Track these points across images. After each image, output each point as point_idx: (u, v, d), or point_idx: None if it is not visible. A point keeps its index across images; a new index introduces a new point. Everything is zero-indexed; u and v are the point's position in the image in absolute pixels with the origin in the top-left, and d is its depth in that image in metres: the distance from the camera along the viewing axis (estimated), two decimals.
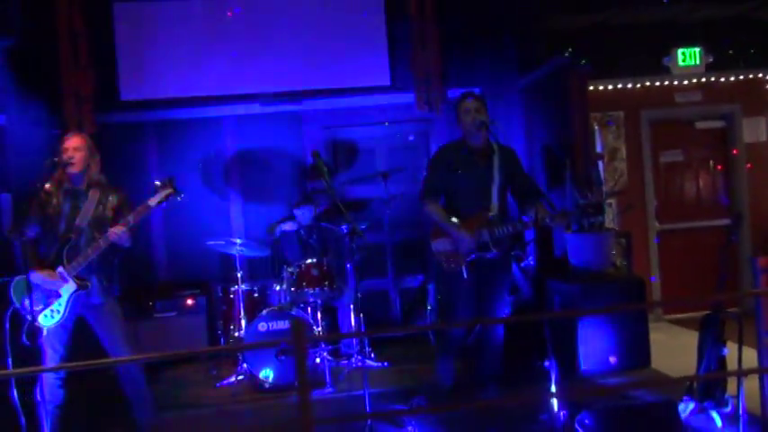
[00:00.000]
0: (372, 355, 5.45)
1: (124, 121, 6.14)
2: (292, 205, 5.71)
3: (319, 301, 5.23)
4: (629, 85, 6.50)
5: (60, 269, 3.78)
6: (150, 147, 6.29)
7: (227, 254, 6.07)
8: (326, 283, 5.16)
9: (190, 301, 5.91)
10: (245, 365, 4.98)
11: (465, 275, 4.12)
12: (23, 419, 3.81)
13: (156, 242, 6.35)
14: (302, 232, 5.70)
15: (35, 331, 3.75)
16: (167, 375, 5.44)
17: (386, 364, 5.29)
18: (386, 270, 6.61)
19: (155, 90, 6.05)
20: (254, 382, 5.01)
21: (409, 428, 3.90)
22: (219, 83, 6.18)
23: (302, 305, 5.19)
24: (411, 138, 6.71)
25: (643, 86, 6.51)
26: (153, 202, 3.91)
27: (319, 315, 5.23)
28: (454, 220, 4.15)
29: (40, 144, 5.89)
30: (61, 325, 3.84)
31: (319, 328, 5.15)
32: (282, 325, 4.94)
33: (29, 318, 3.76)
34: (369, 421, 3.78)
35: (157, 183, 3.99)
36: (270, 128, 6.44)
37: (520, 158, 4.47)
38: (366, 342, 5.49)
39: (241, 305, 5.20)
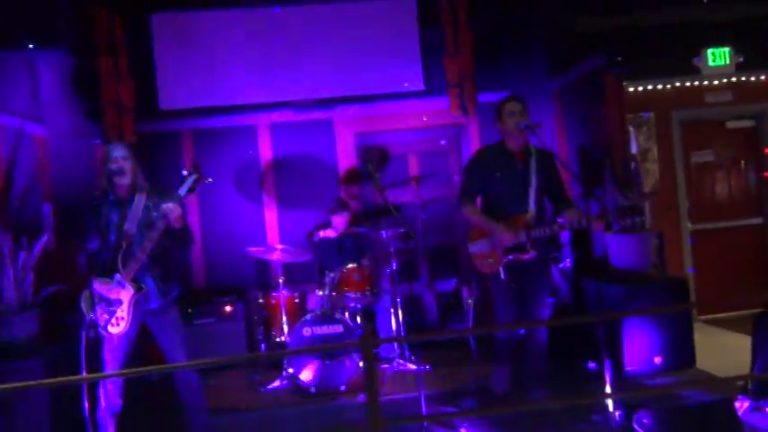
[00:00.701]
0: (413, 358, 5.47)
1: (161, 129, 6.21)
2: (329, 211, 5.76)
3: (359, 306, 5.28)
4: (660, 86, 6.51)
5: (117, 276, 3.83)
6: (186, 155, 6.35)
7: (264, 260, 6.15)
8: (367, 287, 5.22)
9: (228, 308, 5.96)
10: (290, 370, 5.01)
11: (503, 277, 4.16)
12: (90, 428, 3.90)
13: (194, 249, 6.40)
14: (339, 238, 5.75)
15: (100, 341, 3.83)
16: (209, 382, 5.48)
17: (427, 367, 5.31)
18: (419, 274, 6.66)
19: (191, 99, 6.15)
20: (298, 387, 5.04)
21: (462, 430, 3.92)
22: (254, 91, 6.28)
23: (342, 310, 5.23)
24: (443, 142, 6.74)
25: (673, 87, 6.53)
26: (182, 191, 3.92)
27: (359, 319, 5.27)
28: (492, 220, 4.20)
29: (81, 154, 6.01)
30: (126, 334, 3.89)
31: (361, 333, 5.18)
32: (326, 329, 4.97)
33: (99, 328, 3.83)
34: (425, 423, 3.81)
35: (184, 172, 3.98)
36: (303, 135, 6.50)
37: (557, 162, 4.49)
38: (406, 346, 5.52)
39: (283, 310, 5.24)
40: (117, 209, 3.95)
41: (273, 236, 6.41)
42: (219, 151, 6.39)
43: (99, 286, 3.79)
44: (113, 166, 3.92)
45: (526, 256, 4.14)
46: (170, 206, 3.80)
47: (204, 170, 5.79)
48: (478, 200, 4.45)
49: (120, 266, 3.85)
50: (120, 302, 3.83)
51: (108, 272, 3.84)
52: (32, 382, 4.00)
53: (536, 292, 4.32)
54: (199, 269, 6.33)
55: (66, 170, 5.90)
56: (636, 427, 3.50)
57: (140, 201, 3.97)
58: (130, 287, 3.84)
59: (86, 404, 3.69)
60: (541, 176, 4.23)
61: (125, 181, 3.95)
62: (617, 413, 3.72)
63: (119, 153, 3.97)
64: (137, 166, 4.01)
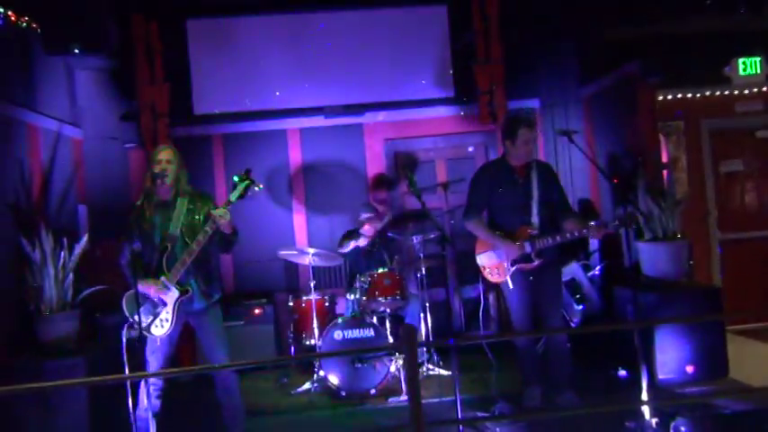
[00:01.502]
0: (441, 363, 5.49)
1: (194, 134, 6.29)
2: (358, 222, 5.77)
3: (388, 311, 5.31)
4: (690, 95, 6.50)
5: (163, 279, 3.89)
6: (217, 159, 6.43)
7: (293, 264, 6.20)
8: (398, 292, 5.25)
9: (257, 311, 6.02)
10: (321, 373, 5.05)
11: (511, 286, 4.38)
12: (128, 426, 3.95)
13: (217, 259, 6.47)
14: (368, 244, 5.78)
15: (142, 342, 3.88)
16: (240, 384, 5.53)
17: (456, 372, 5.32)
18: (446, 280, 6.68)
19: (224, 104, 6.24)
20: (328, 390, 5.08)
21: None
22: (284, 96, 6.37)
23: (371, 314, 5.27)
24: (471, 149, 6.77)
25: (703, 96, 6.51)
26: (233, 196, 3.98)
27: (388, 324, 5.30)
28: (498, 233, 4.40)
29: (115, 158, 6.11)
30: (168, 336, 3.95)
31: (391, 338, 5.21)
32: (358, 333, 5.03)
33: (142, 329, 3.88)
34: (461, 427, 3.83)
35: (235, 178, 4.06)
36: (332, 140, 6.55)
37: (557, 173, 4.73)
38: (435, 351, 5.54)
39: (314, 314, 5.28)
40: (160, 211, 4.01)
41: (302, 240, 6.46)
42: (250, 155, 6.44)
43: (144, 288, 3.82)
44: (156, 169, 3.97)
45: (531, 265, 4.33)
46: (220, 212, 3.86)
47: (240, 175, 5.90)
48: (485, 213, 4.60)
49: (165, 269, 3.91)
50: (165, 304, 3.88)
51: (153, 274, 3.89)
52: (75, 380, 4.08)
53: (547, 298, 4.48)
54: (228, 272, 6.39)
55: (100, 173, 6.02)
56: None
57: (183, 204, 4.03)
58: (175, 290, 3.89)
59: (129, 403, 3.74)
60: (542, 188, 4.42)
61: (168, 183, 4.00)
62: (654, 420, 3.70)
63: (162, 156, 4.03)
64: (180, 169, 4.06)
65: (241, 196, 3.97)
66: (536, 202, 4.38)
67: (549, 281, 4.44)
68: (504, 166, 4.52)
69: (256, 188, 4.02)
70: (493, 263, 4.45)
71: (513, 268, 4.34)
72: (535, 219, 4.37)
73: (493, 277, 4.47)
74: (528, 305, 4.43)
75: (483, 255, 4.50)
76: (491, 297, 6.68)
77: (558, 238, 4.30)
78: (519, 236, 4.34)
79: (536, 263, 4.31)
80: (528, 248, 4.30)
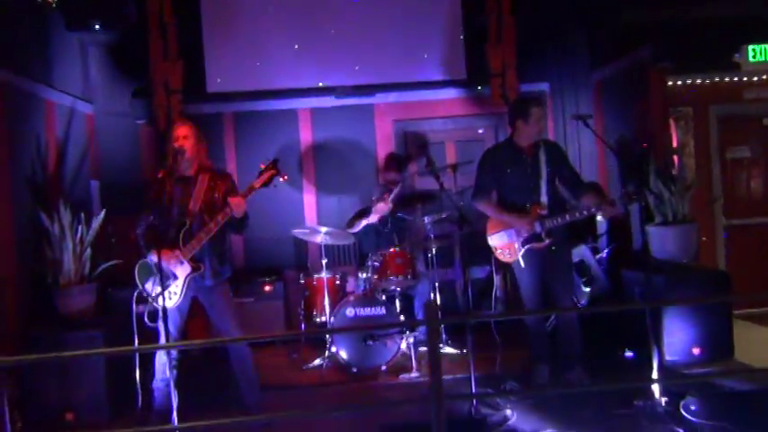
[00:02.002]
0: (449, 342, 5.57)
1: (206, 112, 6.31)
2: (372, 197, 5.82)
3: (399, 289, 5.38)
4: (699, 81, 6.52)
5: (177, 252, 3.94)
6: (227, 138, 6.46)
7: (302, 242, 6.26)
8: (409, 271, 5.31)
9: (267, 288, 6.08)
10: (333, 349, 5.12)
11: (523, 265, 4.42)
12: (141, 396, 4.03)
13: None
14: (378, 223, 5.83)
15: (155, 313, 3.94)
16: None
17: (464, 351, 5.39)
18: (453, 261, 6.74)
19: (236, 82, 6.25)
20: (339, 366, 5.16)
21: (507, 411, 4.01)
22: (296, 75, 6.36)
23: (381, 292, 5.33)
24: (481, 131, 6.80)
25: (712, 82, 6.54)
26: (257, 183, 4.05)
27: (398, 303, 5.37)
28: (508, 211, 4.44)
29: (126, 134, 6.13)
30: (177, 307, 4.01)
31: (402, 316, 5.29)
32: (369, 311, 5.09)
33: (150, 299, 3.95)
34: (474, 403, 3.91)
35: (261, 165, 4.13)
36: (343, 120, 6.59)
37: (565, 151, 4.75)
38: (444, 330, 5.62)
39: (325, 292, 5.34)
40: (181, 186, 4.05)
41: (312, 219, 6.52)
42: (261, 134, 6.48)
43: (157, 258, 3.81)
44: (175, 144, 4.01)
45: (542, 245, 4.36)
46: (237, 200, 3.91)
47: (247, 153, 5.97)
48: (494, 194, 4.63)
49: (180, 243, 3.96)
50: (175, 277, 3.93)
51: (167, 247, 3.91)
52: (92, 351, 4.15)
53: (557, 277, 4.53)
54: (238, 249, 6.45)
55: (111, 149, 6.04)
56: (684, 413, 3.59)
57: (203, 181, 4.07)
58: (188, 265, 3.94)
59: (137, 374, 3.82)
60: (551, 167, 4.44)
61: (186, 159, 4.04)
62: (663, 399, 3.78)
63: (179, 132, 4.07)
64: (199, 145, 4.10)
65: (265, 184, 4.03)
66: (545, 181, 4.41)
67: (559, 260, 4.49)
68: (512, 146, 4.55)
69: (281, 179, 4.07)
70: (504, 243, 4.50)
71: (525, 248, 4.39)
72: (544, 198, 4.40)
73: (504, 257, 4.52)
74: (538, 284, 4.49)
75: (494, 235, 4.55)
76: (497, 278, 6.74)
77: (567, 217, 4.33)
78: (528, 215, 4.38)
79: (546, 242, 4.35)
80: (538, 228, 4.34)
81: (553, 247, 4.39)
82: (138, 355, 3.99)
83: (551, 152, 4.51)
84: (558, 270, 4.51)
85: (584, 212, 4.31)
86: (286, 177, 4.17)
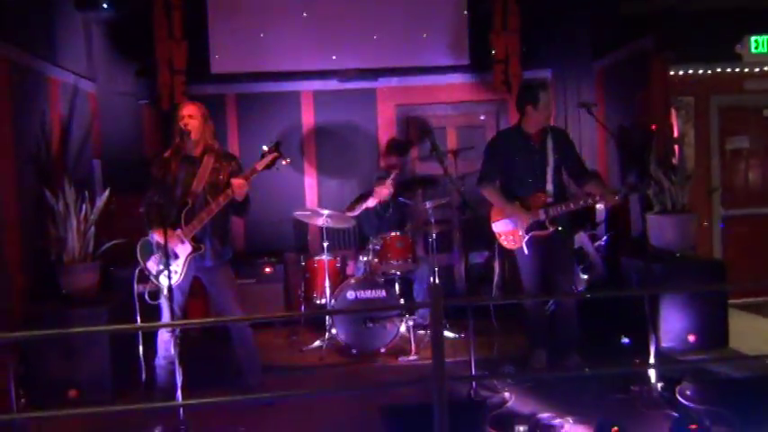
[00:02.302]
0: (447, 326, 5.63)
1: (209, 92, 6.30)
2: (373, 181, 5.85)
3: (398, 273, 5.43)
4: (701, 71, 6.55)
5: (178, 231, 3.96)
6: (230, 119, 6.47)
7: (303, 225, 6.29)
8: (410, 255, 5.36)
9: (268, 269, 6.12)
10: (333, 331, 5.17)
11: (526, 252, 4.45)
12: (144, 373, 4.08)
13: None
14: (379, 207, 5.87)
15: (156, 292, 3.98)
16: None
17: (462, 335, 5.47)
18: (452, 246, 6.79)
19: (240, 63, 6.24)
20: (338, 348, 5.22)
21: (505, 394, 4.08)
22: (299, 58, 6.36)
23: (381, 276, 5.38)
24: (482, 117, 6.82)
25: (714, 73, 6.56)
26: (260, 165, 4.06)
27: (397, 286, 5.42)
28: (511, 201, 4.45)
29: (128, 113, 6.12)
30: (178, 286, 4.04)
31: (401, 299, 5.34)
32: (370, 294, 5.14)
33: (151, 276, 3.98)
34: (474, 385, 3.98)
35: (264, 148, 4.14)
36: (345, 103, 6.60)
37: (572, 140, 4.72)
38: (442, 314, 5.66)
39: (326, 274, 5.38)
40: (186, 166, 4.06)
41: (313, 201, 6.55)
42: (263, 116, 6.49)
43: (159, 237, 3.82)
44: (180, 123, 4.02)
45: (546, 233, 4.40)
46: (239, 182, 3.93)
47: (249, 135, 5.97)
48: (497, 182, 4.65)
49: (182, 223, 3.98)
50: (176, 257, 3.96)
51: (171, 226, 3.93)
52: (97, 328, 4.20)
53: (559, 264, 4.57)
54: (239, 231, 6.47)
55: (113, 128, 6.04)
56: (679, 398, 3.66)
57: (209, 162, 4.09)
58: (189, 245, 3.97)
59: (141, 352, 3.87)
60: (558, 155, 4.46)
61: (192, 139, 4.05)
62: (659, 385, 3.85)
63: (185, 111, 4.08)
64: (205, 125, 4.11)
65: (267, 167, 4.05)
66: (551, 168, 4.43)
67: (561, 248, 4.54)
68: (520, 133, 4.55)
69: (284, 162, 4.09)
70: (508, 230, 4.53)
71: (528, 236, 4.43)
72: (550, 186, 4.43)
73: (508, 244, 4.56)
74: (540, 271, 4.53)
75: (498, 222, 4.59)
76: (496, 264, 6.79)
77: (571, 205, 4.37)
78: (533, 203, 4.42)
79: (550, 230, 4.39)
80: (542, 216, 4.37)
81: (556, 236, 4.41)
82: (141, 332, 4.03)
83: (559, 139, 4.52)
84: (560, 258, 4.54)
85: (589, 201, 4.36)
86: (289, 161, 4.19)
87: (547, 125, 4.53)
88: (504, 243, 4.58)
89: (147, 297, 3.99)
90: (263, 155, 4.12)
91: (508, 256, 4.81)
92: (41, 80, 4.92)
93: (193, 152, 4.11)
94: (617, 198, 4.29)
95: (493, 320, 4.86)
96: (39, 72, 4.88)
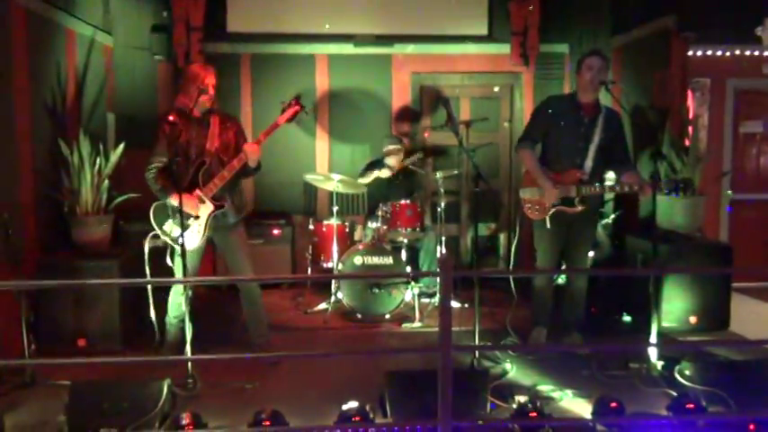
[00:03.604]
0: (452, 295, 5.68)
1: (224, 51, 6.27)
2: (384, 152, 5.83)
3: (406, 241, 5.46)
4: (719, 53, 6.48)
5: (198, 192, 3.99)
6: (244, 79, 6.44)
7: (312, 189, 6.32)
8: (418, 224, 5.39)
9: (276, 231, 6.16)
10: (338, 295, 5.24)
11: (548, 225, 4.34)
12: (158, 331, 4.16)
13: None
14: (390, 174, 5.88)
15: (174, 253, 4.02)
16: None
17: (466, 305, 5.52)
18: (458, 217, 6.82)
19: (257, 23, 6.20)
20: (343, 312, 5.29)
21: (507, 365, 4.15)
22: (316, 21, 6.31)
23: (389, 243, 5.41)
24: (496, 89, 6.78)
25: (732, 55, 6.49)
26: (282, 119, 4.10)
27: (404, 254, 5.47)
28: (545, 172, 4.32)
29: (143, 68, 6.10)
30: (197, 248, 4.08)
31: (408, 267, 5.39)
32: (377, 260, 5.19)
33: (172, 241, 4.02)
34: (476, 353, 4.04)
35: (283, 102, 4.17)
36: (360, 69, 6.56)
37: (623, 124, 4.54)
38: None
39: (334, 238, 5.43)
40: (194, 127, 4.06)
41: (323, 166, 6.56)
42: (277, 77, 6.46)
43: (177, 200, 3.82)
44: (203, 87, 3.98)
45: (572, 210, 4.29)
46: (253, 148, 3.96)
47: (262, 96, 5.94)
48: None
49: (200, 183, 4.01)
50: (196, 217, 4.00)
51: (186, 188, 3.96)
52: (110, 280, 4.26)
53: (578, 244, 4.50)
54: (248, 191, 6.48)
55: (128, 82, 6.03)
56: (678, 377, 3.71)
57: (215, 122, 4.09)
58: (210, 203, 4.01)
59: (152, 309, 3.92)
60: (605, 135, 4.30)
61: (208, 103, 4.05)
62: (659, 364, 3.91)
63: (210, 81, 4.03)
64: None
65: (288, 120, 4.06)
66: (594, 146, 4.28)
67: (583, 229, 4.46)
68: (573, 101, 4.37)
69: (305, 114, 4.10)
70: (535, 198, 4.37)
71: (554, 209, 4.31)
72: (588, 163, 4.29)
73: (532, 213, 4.41)
74: (557, 249, 4.45)
75: (527, 189, 4.41)
76: (501, 237, 6.84)
77: (606, 188, 4.28)
78: (568, 178, 4.28)
79: (578, 209, 4.27)
80: (573, 193, 4.24)
81: (582, 216, 4.30)
82: (151, 292, 4.09)
83: (610, 121, 4.33)
84: (579, 239, 4.47)
85: (626, 189, 4.24)
86: (309, 112, 4.21)
87: (602, 105, 4.34)
88: (528, 212, 4.43)
89: (168, 259, 4.03)
90: (284, 109, 4.13)
91: (526, 226, 4.70)
92: (58, 30, 4.90)
93: (199, 114, 4.08)
94: (653, 191, 4.11)
95: (513, 291, 4.66)
96: (56, 22, 4.86)
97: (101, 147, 4.67)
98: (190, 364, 3.71)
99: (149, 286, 4.14)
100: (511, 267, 5.86)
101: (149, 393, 3.29)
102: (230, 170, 3.99)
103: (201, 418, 3.13)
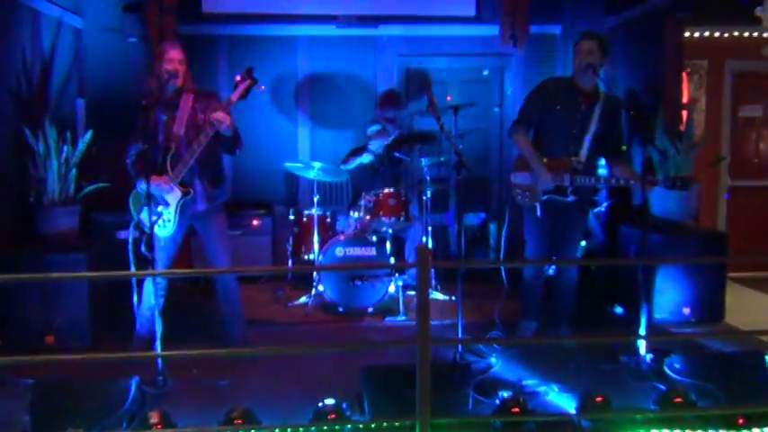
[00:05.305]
0: (439, 288, 5.51)
1: (201, 33, 6.03)
2: (366, 135, 5.64)
3: (391, 231, 5.27)
4: (717, 34, 6.27)
5: (165, 177, 3.80)
6: (221, 61, 6.20)
7: (294, 177, 6.11)
8: (402, 213, 5.20)
9: (255, 222, 5.95)
10: (320, 288, 5.05)
11: (539, 213, 4.17)
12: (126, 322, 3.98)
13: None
14: (374, 162, 5.68)
15: (152, 242, 3.82)
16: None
17: (453, 297, 5.34)
18: (448, 206, 6.62)
19: (233, 4, 5.96)
20: (324, 305, 5.11)
21: (492, 359, 3.98)
22: (296, 1, 6.06)
23: (372, 233, 5.22)
24: (485, 72, 6.56)
25: (731, 36, 6.28)
26: (235, 96, 3.85)
27: (388, 245, 5.27)
28: (539, 157, 4.13)
29: (116, 51, 5.86)
30: (172, 237, 3.91)
31: (392, 258, 5.20)
32: (359, 251, 5.00)
33: (145, 228, 3.82)
34: (460, 348, 3.87)
35: (237, 77, 3.92)
36: (343, 52, 6.33)
37: (623, 112, 4.35)
38: (434, 275, 5.54)
39: (315, 229, 5.23)
40: (166, 109, 3.88)
41: (305, 153, 6.34)
42: (256, 61, 6.06)
43: (151, 187, 3.65)
44: (169, 67, 3.81)
45: (565, 200, 4.12)
46: (220, 115, 3.73)
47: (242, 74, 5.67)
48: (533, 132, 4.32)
49: (168, 169, 3.81)
50: (167, 204, 3.82)
51: (157, 173, 3.77)
52: (81, 274, 4.07)
53: (569, 234, 4.35)
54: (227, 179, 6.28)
55: (99, 66, 5.79)
56: (667, 370, 3.56)
57: (187, 102, 3.89)
58: (178, 190, 3.81)
59: (135, 300, 3.76)
60: (603, 124, 4.11)
61: (177, 83, 3.86)
62: (648, 356, 3.75)
63: (175, 54, 3.87)
64: (188, 70, 3.91)
65: (242, 96, 3.84)
66: (591, 135, 4.08)
67: (574, 220, 4.30)
68: (570, 84, 4.17)
69: (258, 89, 3.88)
70: (527, 184, 4.20)
71: (546, 197, 4.13)
72: (584, 152, 4.10)
73: (523, 200, 4.24)
74: (547, 239, 4.29)
75: (519, 174, 4.24)
76: (492, 226, 6.65)
77: (601, 180, 4.12)
78: (561, 165, 4.09)
79: (570, 199, 4.10)
80: (567, 181, 4.07)
81: (574, 206, 4.15)
82: (129, 281, 3.91)
83: (609, 109, 4.12)
84: (570, 230, 4.32)
85: (621, 182, 4.07)
86: (263, 87, 3.99)
87: (601, 91, 4.13)
88: (519, 198, 4.26)
89: (142, 248, 3.83)
90: (236, 84, 3.90)
91: (516, 213, 4.52)
92: (24, 11, 4.67)
93: (172, 95, 3.89)
94: (651, 186, 3.99)
95: (504, 281, 4.52)
96: (20, 3, 4.62)
97: (68, 134, 4.45)
98: (160, 360, 3.53)
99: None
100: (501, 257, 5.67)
101: (117, 391, 3.15)
102: (191, 153, 3.77)
103: (171, 417, 2.98)
